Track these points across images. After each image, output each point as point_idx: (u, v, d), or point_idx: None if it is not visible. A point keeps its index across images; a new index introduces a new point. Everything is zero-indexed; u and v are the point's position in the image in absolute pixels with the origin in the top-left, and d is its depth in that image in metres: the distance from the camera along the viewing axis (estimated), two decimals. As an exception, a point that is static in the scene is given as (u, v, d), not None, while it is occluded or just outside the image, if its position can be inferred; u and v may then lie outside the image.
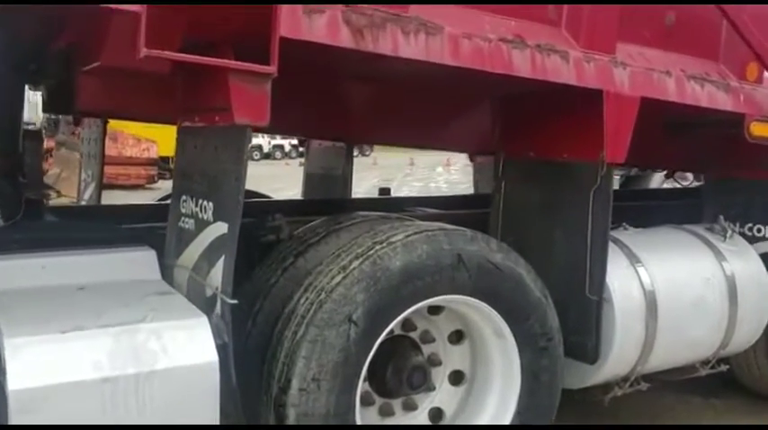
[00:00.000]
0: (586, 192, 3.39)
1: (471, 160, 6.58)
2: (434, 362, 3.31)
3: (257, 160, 37.54)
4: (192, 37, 2.34)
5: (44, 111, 3.90)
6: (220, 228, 2.53)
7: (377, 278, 2.75)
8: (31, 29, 2.93)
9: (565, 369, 3.36)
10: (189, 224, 2.77)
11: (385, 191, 5.83)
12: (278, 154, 39.08)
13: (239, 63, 2.34)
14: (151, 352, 2.33)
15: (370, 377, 3.04)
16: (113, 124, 18.70)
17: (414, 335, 3.26)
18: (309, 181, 5.80)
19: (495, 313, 3.10)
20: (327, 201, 5.15)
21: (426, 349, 3.29)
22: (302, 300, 2.76)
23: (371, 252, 2.81)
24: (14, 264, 2.75)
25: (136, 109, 3.60)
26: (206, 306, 2.56)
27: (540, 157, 3.67)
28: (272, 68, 2.35)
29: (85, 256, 2.90)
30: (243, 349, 2.98)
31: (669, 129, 4.45)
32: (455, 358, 3.37)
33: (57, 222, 3.17)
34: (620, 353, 3.67)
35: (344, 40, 2.55)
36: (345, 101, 4.23)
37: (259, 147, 39.25)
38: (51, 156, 8.89)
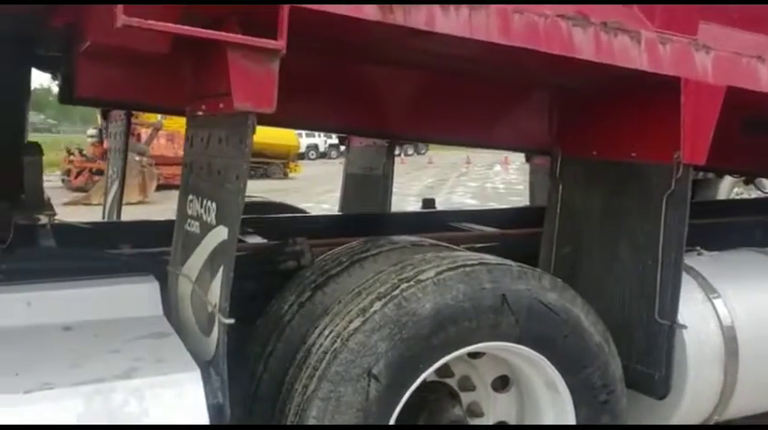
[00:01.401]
0: (658, 199, 2.93)
1: (527, 160, 6.13)
2: (475, 412, 2.87)
3: (313, 159, 37.63)
4: (195, 12, 1.98)
5: (61, 102, 3.65)
6: (221, 233, 2.19)
7: (402, 324, 2.33)
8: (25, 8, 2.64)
9: (628, 411, 2.88)
10: (194, 227, 2.44)
11: (429, 202, 5.40)
12: (333, 153, 38.96)
13: (238, 36, 1.95)
14: (130, 416, 1.98)
15: (398, 434, 2.62)
16: (170, 124, 18.91)
17: (451, 381, 2.83)
18: (349, 181, 5.48)
19: (547, 362, 2.63)
20: (362, 217, 4.76)
21: (466, 398, 2.85)
22: (315, 347, 2.37)
23: (396, 292, 2.38)
24: (-5, 300, 2.45)
25: (141, 97, 3.29)
26: (207, 325, 2.24)
27: (604, 157, 3.22)
28: (280, 44, 1.96)
29: (78, 290, 2.59)
30: (253, 396, 2.63)
31: (750, 127, 3.89)
32: (500, 407, 2.92)
33: (52, 248, 2.87)
34: (694, 398, 3.17)
35: (369, 10, 2.14)
36: (384, 91, 3.82)
37: (315, 147, 39.29)
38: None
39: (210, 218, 2.28)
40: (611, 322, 2.99)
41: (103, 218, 5.02)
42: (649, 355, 2.98)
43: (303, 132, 38.68)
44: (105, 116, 4.86)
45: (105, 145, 8.06)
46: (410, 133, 4.38)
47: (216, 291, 2.17)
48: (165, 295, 2.65)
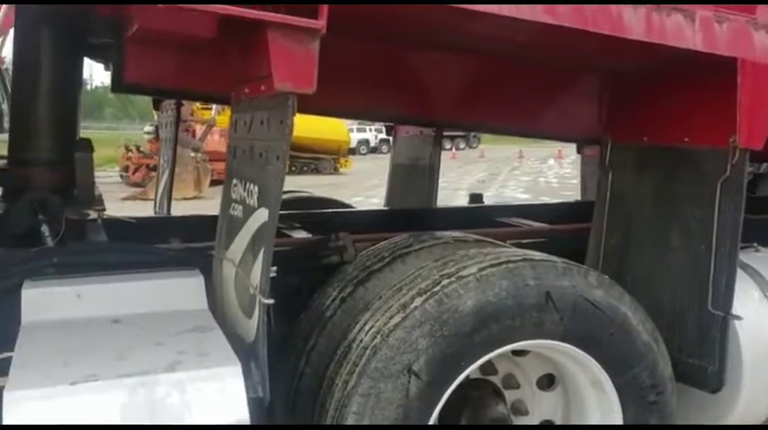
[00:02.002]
0: (712, 185, 2.82)
1: (579, 152, 5.99)
2: (519, 411, 2.82)
3: (364, 154, 37.76)
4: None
5: (112, 91, 3.75)
6: (262, 215, 2.21)
7: (443, 321, 2.30)
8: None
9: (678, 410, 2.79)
10: (238, 211, 2.46)
11: (476, 197, 5.33)
12: (384, 148, 38.99)
13: (278, 15, 1.96)
14: (171, 408, 2.01)
15: (440, 431, 2.60)
16: (223, 120, 19.25)
17: (495, 379, 2.79)
18: (396, 172, 5.46)
19: (593, 361, 2.57)
20: (407, 212, 4.73)
21: (510, 396, 2.81)
22: (356, 343, 2.36)
23: (437, 288, 2.36)
24: (47, 292, 2.53)
25: (188, 83, 3.34)
26: (249, 307, 2.26)
27: (655, 143, 3.12)
28: (320, 23, 1.96)
29: (126, 283, 2.64)
30: (295, 390, 2.64)
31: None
32: (545, 406, 2.87)
33: (101, 243, 2.94)
34: (752, 395, 3.05)
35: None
36: (432, 78, 3.78)
37: (366, 142, 39.41)
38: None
39: (253, 201, 2.30)
40: (662, 313, 2.94)
41: (155, 207, 5.16)
42: (702, 347, 2.88)
43: (354, 127, 38.86)
44: (157, 107, 4.93)
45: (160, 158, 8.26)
46: (458, 120, 4.31)
47: (257, 272, 2.18)
48: (210, 289, 2.68)
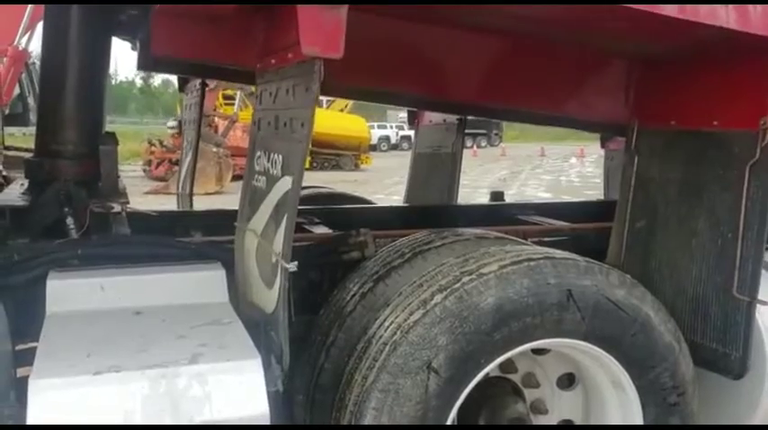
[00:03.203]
0: (741, 168, 2.76)
1: (602, 146, 5.93)
2: (539, 409, 2.81)
3: (384, 151, 37.80)
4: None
5: (138, 68, 3.79)
6: (286, 183, 2.23)
7: (463, 318, 2.29)
8: None
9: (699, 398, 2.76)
10: (261, 182, 2.48)
11: (497, 195, 5.30)
12: (405, 145, 38.98)
13: None
14: (192, 400, 2.03)
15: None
16: (245, 115, 19.26)
17: (514, 377, 2.78)
18: (418, 160, 5.44)
19: (614, 361, 2.55)
20: (428, 209, 4.72)
21: (530, 395, 2.80)
22: (376, 338, 2.36)
23: (458, 285, 2.35)
24: (72, 284, 2.56)
25: (213, 56, 3.35)
26: (270, 277, 2.28)
27: (683, 127, 3.06)
28: None
29: (148, 276, 2.67)
30: (315, 385, 2.65)
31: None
32: (565, 405, 2.86)
33: (125, 236, 2.96)
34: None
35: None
36: (454, 58, 3.70)
37: (386, 139, 39.44)
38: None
39: (276, 170, 2.31)
40: (686, 298, 2.92)
41: (177, 188, 5.22)
42: (726, 333, 2.83)
43: (375, 124, 38.89)
44: (182, 89, 4.99)
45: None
46: (483, 102, 4.22)
47: (280, 239, 2.20)
48: (232, 282, 2.70)
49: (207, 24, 2.91)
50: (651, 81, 3.23)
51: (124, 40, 3.82)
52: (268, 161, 2.41)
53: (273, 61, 2.40)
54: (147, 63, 3.69)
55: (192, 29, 3.03)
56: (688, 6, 2.44)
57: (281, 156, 2.29)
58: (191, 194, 4.86)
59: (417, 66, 3.62)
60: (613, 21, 2.50)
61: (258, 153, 2.54)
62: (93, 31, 3.24)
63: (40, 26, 10.06)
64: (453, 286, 2.35)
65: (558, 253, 2.63)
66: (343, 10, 2.00)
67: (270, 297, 2.29)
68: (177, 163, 17.57)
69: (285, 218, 2.18)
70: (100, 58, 3.38)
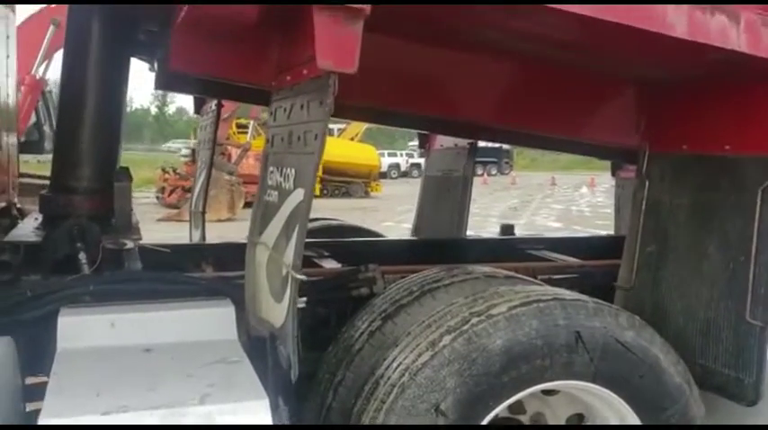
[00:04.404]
0: (753, 193, 2.77)
1: (613, 174, 5.96)
2: (548, 450, 2.79)
3: (395, 178, 37.89)
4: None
5: (156, 87, 3.85)
6: (298, 195, 2.25)
7: (472, 360, 2.29)
8: None
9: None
10: (273, 196, 2.50)
11: (507, 229, 5.32)
12: (415, 172, 39.10)
13: None
14: (200, 442, 2.03)
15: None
16: (258, 144, 19.41)
17: (523, 418, 2.76)
18: (428, 183, 5.48)
19: (624, 403, 2.53)
20: (437, 242, 4.74)
21: (538, 435, 2.78)
22: (384, 379, 2.36)
23: (467, 326, 2.35)
24: (84, 320, 2.58)
25: (230, 72, 3.34)
26: (280, 290, 2.29)
27: (695, 151, 3.07)
28: (365, 6, 2.01)
29: (158, 313, 2.68)
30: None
31: None
32: (574, 446, 2.83)
33: (136, 272, 2.99)
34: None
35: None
36: (466, 79, 3.70)
37: (397, 166, 39.59)
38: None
39: (289, 184, 2.33)
40: (698, 323, 2.90)
41: (190, 207, 5.28)
42: (738, 358, 2.81)
43: (385, 152, 39.09)
44: (198, 110, 5.09)
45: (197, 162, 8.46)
46: (493, 125, 4.19)
47: (291, 251, 2.21)
48: (240, 318, 2.72)
49: (224, 42, 2.94)
50: (662, 105, 3.26)
51: (142, 60, 3.89)
52: (281, 176, 2.43)
53: (288, 78, 2.44)
54: (165, 82, 3.76)
55: (210, 46, 3.06)
56: (699, 27, 2.47)
57: (293, 170, 2.32)
58: (203, 213, 4.93)
59: (430, 87, 3.63)
60: (624, 44, 2.52)
61: (271, 168, 2.57)
62: (112, 53, 3.30)
63: (57, 56, 10.27)
64: (462, 327, 2.35)
65: (568, 294, 2.63)
66: (359, 25, 2.04)
67: (279, 311, 2.30)
68: (190, 190, 17.73)
69: (296, 229, 2.19)
70: (119, 84, 3.43)
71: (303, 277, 2.15)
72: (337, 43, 2.03)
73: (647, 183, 3.26)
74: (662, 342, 2.61)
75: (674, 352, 2.63)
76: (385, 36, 2.42)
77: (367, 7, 2.00)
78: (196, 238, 4.90)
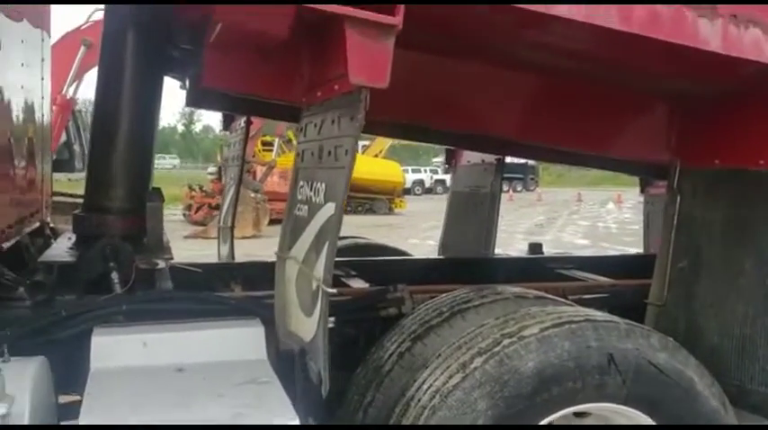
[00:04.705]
0: None
1: (642, 191, 5.90)
2: (579, 473, 2.74)
3: (418, 195, 37.89)
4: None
5: (187, 105, 3.92)
6: (328, 209, 2.26)
7: (504, 382, 2.28)
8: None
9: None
10: (303, 211, 2.52)
11: (536, 247, 5.29)
12: (439, 188, 39.11)
13: (357, 10, 2.03)
14: (232, 462, 2.04)
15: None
16: (282, 161, 19.56)
17: (554, 440, 2.73)
18: (455, 199, 5.48)
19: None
20: (465, 261, 4.72)
21: (570, 458, 2.74)
22: (414, 402, 2.35)
23: (498, 348, 2.34)
24: (116, 340, 2.62)
25: (261, 89, 3.40)
26: (310, 305, 2.31)
27: (727, 166, 3.04)
28: (396, 19, 2.03)
29: (189, 332, 2.71)
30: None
31: None
32: (606, 470, 2.78)
33: (168, 292, 3.03)
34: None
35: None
36: (495, 95, 3.70)
37: (421, 182, 39.61)
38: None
39: (319, 198, 2.34)
40: (733, 340, 2.87)
41: (219, 222, 5.33)
42: None
43: (409, 168, 39.16)
44: (227, 127, 5.16)
45: (223, 181, 8.56)
46: (522, 140, 4.20)
47: (321, 265, 2.22)
48: (270, 338, 2.73)
49: (256, 59, 2.99)
50: (693, 120, 3.24)
51: (174, 77, 3.96)
52: (311, 190, 2.45)
53: (319, 94, 2.46)
54: (196, 99, 3.82)
55: (242, 63, 3.11)
56: (732, 41, 2.46)
57: (324, 185, 2.33)
58: (232, 228, 4.97)
59: (458, 103, 3.64)
60: (653, 57, 2.51)
61: (301, 183, 2.59)
62: (147, 72, 3.36)
63: (87, 76, 10.47)
64: (493, 349, 2.34)
65: (599, 315, 2.61)
66: (391, 40, 2.06)
67: (309, 325, 2.31)
68: (217, 208, 17.92)
69: (327, 243, 2.20)
70: (152, 104, 3.49)
71: (334, 290, 2.16)
72: (369, 58, 2.05)
73: (678, 199, 3.23)
74: (696, 364, 2.56)
75: (709, 374, 2.59)
76: (413, 52, 2.43)
77: (399, 22, 2.02)
78: (224, 254, 4.94)
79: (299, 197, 2.58)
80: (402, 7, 2.02)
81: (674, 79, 3.07)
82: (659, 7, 2.38)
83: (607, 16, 2.32)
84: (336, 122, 2.28)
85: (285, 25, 2.24)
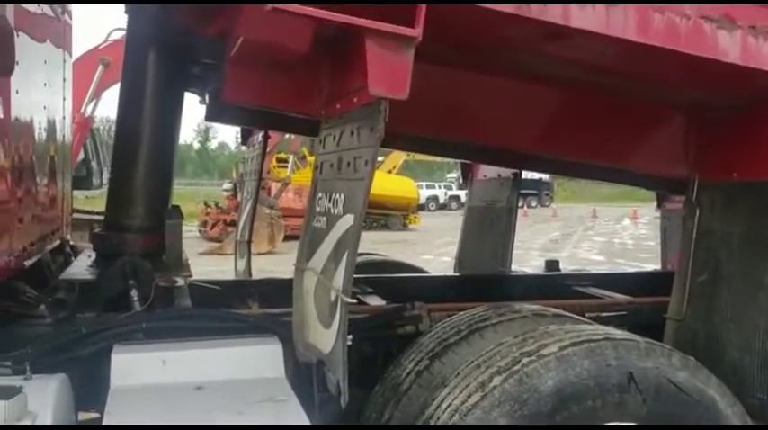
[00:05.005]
0: None
1: (659, 206, 5.87)
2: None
3: (432, 210, 37.88)
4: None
5: (206, 119, 3.96)
6: (347, 220, 2.26)
7: (523, 401, 2.27)
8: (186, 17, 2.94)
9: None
10: (321, 222, 2.52)
11: (552, 264, 5.26)
12: (453, 204, 39.11)
13: (377, 23, 2.03)
14: (251, 480, 2.04)
15: None
16: (297, 178, 19.65)
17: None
18: (471, 214, 5.47)
19: (678, 447, 2.46)
20: (482, 279, 4.71)
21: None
22: (433, 420, 2.35)
23: (517, 367, 2.33)
24: (136, 358, 2.63)
25: (281, 103, 3.41)
26: (328, 316, 2.30)
27: (746, 179, 3.03)
28: (416, 31, 2.03)
29: (208, 350, 2.72)
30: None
31: None
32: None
33: (187, 309, 3.04)
34: None
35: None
36: (511, 107, 3.69)
37: (435, 198, 39.62)
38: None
39: (338, 209, 2.34)
40: (754, 354, 2.84)
41: (236, 236, 5.35)
42: None
43: (423, 184, 39.20)
44: (245, 141, 5.19)
45: (239, 197, 8.59)
46: (538, 152, 4.19)
47: (340, 276, 2.22)
48: (287, 356, 2.73)
49: (276, 73, 3.02)
50: (711, 133, 3.23)
51: (194, 93, 4.00)
52: (329, 201, 2.46)
53: (338, 106, 2.48)
54: (216, 113, 3.85)
55: (262, 77, 3.14)
56: (751, 52, 2.46)
57: (342, 196, 2.34)
58: (249, 242, 4.97)
59: (475, 115, 3.64)
60: (671, 69, 2.51)
61: (319, 194, 2.60)
62: (169, 89, 3.40)
63: (105, 94, 10.61)
64: (513, 368, 2.33)
65: (619, 333, 2.60)
66: (410, 51, 2.06)
67: (328, 336, 2.31)
68: (232, 224, 18.02)
69: (346, 254, 2.20)
70: (173, 122, 3.53)
71: (353, 301, 2.16)
72: (389, 70, 2.06)
73: (697, 212, 3.22)
74: (718, 383, 2.54)
75: (731, 393, 2.56)
76: (431, 64, 2.44)
77: (418, 34, 2.03)
78: (241, 267, 4.95)
79: (318, 209, 2.59)
80: (422, 19, 2.03)
81: (693, 91, 3.07)
82: (677, 19, 2.39)
83: (624, 28, 2.33)
84: (356, 134, 2.29)
85: (305, 38, 2.26)
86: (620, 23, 2.33)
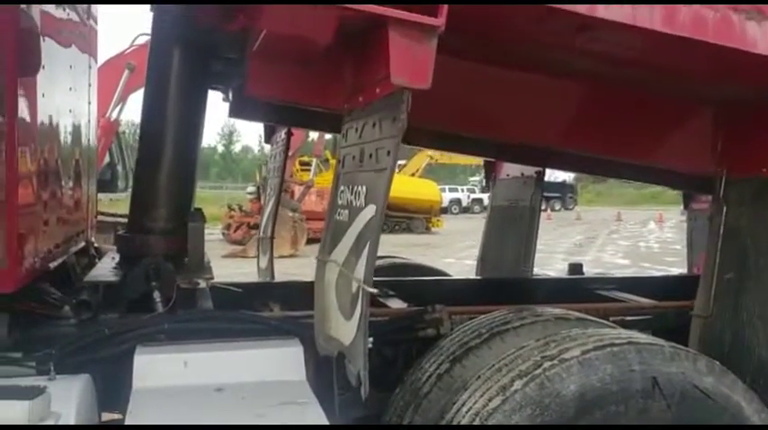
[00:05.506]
0: None
1: (685, 207, 5.77)
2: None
3: (455, 214, 37.76)
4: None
5: (230, 115, 3.98)
6: (369, 211, 2.25)
7: (545, 406, 2.24)
8: (210, 13, 2.95)
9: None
10: (343, 215, 2.51)
11: (576, 268, 5.21)
12: (476, 207, 38.98)
13: (400, 12, 2.02)
14: (272, 482, 2.04)
15: None
16: (320, 180, 19.70)
17: (596, 465, 2.67)
18: (494, 214, 5.43)
19: (704, 454, 2.42)
20: (504, 282, 4.68)
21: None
22: (453, 424, 2.33)
23: (539, 370, 2.31)
24: (158, 359, 2.65)
25: (304, 97, 3.40)
26: (349, 308, 2.30)
27: None
28: (440, 21, 2.02)
29: (229, 352, 2.74)
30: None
31: None
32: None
33: (209, 311, 3.06)
34: None
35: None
36: (535, 102, 3.63)
37: (458, 201, 39.51)
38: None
39: (360, 201, 2.33)
40: None
41: (259, 233, 5.36)
42: None
43: (446, 187, 39.12)
44: (268, 139, 5.19)
45: (262, 197, 8.63)
46: (565, 149, 4.10)
47: (362, 266, 2.21)
48: (308, 358, 2.73)
49: (299, 66, 3.01)
50: (739, 128, 3.19)
51: (217, 90, 4.02)
52: (351, 194, 2.45)
53: (361, 99, 2.47)
54: (239, 109, 3.86)
55: (285, 71, 3.13)
56: None
57: (364, 188, 2.33)
58: (272, 238, 4.97)
59: (498, 110, 3.60)
60: (699, 62, 2.47)
61: (342, 188, 2.59)
62: (192, 91, 3.41)
63: (130, 98, 10.74)
64: (534, 372, 2.31)
65: (643, 337, 2.56)
66: (433, 41, 2.05)
67: (349, 328, 2.30)
68: (255, 227, 18.13)
69: (368, 245, 2.19)
70: (196, 123, 3.54)
71: (375, 290, 2.15)
72: (411, 59, 2.05)
73: (724, 209, 3.18)
74: (744, 388, 2.49)
75: (758, 399, 2.51)
76: (453, 58, 2.42)
77: (441, 23, 2.02)
78: (263, 265, 4.96)
79: (340, 202, 2.58)
80: (445, 8, 2.02)
81: (720, 84, 3.02)
82: (705, 10, 2.35)
83: (651, 18, 2.29)
84: (378, 125, 2.28)
85: (329, 30, 2.26)
86: (647, 14, 2.30)
